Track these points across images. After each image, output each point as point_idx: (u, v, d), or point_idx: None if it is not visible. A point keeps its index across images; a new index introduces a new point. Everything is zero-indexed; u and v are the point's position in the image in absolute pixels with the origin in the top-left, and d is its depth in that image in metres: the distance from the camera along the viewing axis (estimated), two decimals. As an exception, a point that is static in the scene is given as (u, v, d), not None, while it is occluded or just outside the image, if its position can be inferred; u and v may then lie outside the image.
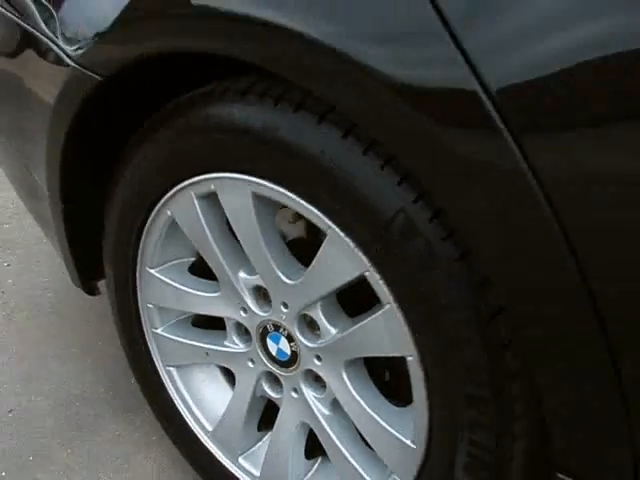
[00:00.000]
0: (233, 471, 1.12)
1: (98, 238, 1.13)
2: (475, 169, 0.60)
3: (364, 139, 0.73)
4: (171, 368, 1.14)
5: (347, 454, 0.95)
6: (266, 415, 1.09)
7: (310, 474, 1.05)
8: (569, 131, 0.56)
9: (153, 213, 1.00)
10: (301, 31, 0.66)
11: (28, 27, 1.04)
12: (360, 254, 0.77)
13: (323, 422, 0.96)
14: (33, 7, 1.03)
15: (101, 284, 1.25)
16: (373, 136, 0.70)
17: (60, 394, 1.46)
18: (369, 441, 0.91)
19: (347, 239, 0.78)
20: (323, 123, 0.75)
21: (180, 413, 1.16)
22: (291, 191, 0.81)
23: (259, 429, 1.10)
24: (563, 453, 0.69)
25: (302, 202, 0.80)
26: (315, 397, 0.96)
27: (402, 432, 0.86)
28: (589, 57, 0.53)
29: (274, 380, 1.02)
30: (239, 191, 0.87)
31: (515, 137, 0.58)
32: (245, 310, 0.98)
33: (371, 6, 0.62)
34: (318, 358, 0.92)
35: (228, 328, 1.03)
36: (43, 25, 1.01)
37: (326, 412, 0.96)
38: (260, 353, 1.00)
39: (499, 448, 0.76)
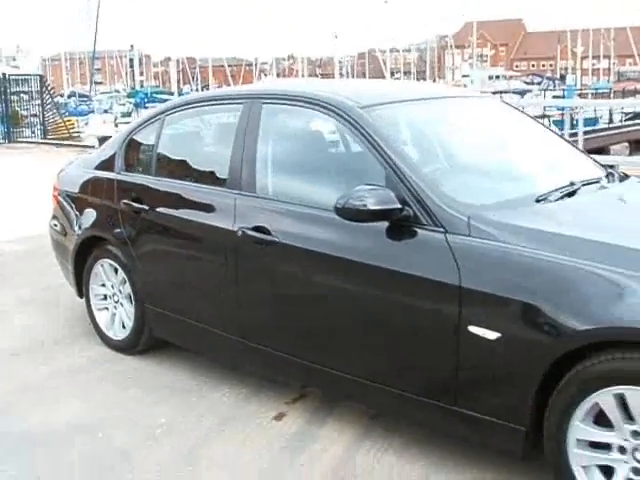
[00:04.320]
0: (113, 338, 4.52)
1: (81, 279, 4.63)
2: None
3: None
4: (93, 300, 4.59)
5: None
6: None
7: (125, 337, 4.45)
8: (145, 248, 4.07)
9: (92, 269, 4.49)
10: None
11: (72, 227, 4.63)
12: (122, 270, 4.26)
13: (124, 313, 4.40)
14: (68, 220, 4.64)
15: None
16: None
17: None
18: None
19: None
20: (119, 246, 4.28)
21: (93, 311, 4.57)
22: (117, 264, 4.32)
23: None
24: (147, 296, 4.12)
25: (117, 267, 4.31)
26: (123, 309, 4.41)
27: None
28: None
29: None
30: (108, 263, 4.37)
31: (132, 245, 4.09)
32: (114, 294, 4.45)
33: None
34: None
35: (112, 292, 4.50)
36: (74, 225, 4.59)
37: (128, 308, 4.40)
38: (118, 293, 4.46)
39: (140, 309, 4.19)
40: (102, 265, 4.42)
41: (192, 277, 3.84)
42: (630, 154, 20.61)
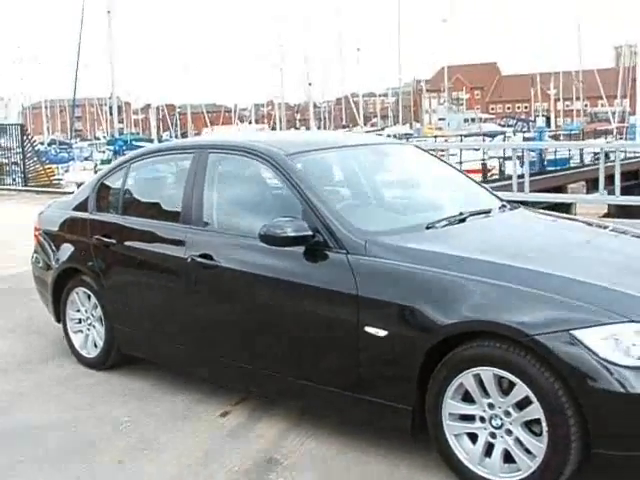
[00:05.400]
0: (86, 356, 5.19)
1: (59, 306, 5.31)
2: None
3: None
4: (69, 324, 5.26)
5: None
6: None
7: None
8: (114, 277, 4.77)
9: (68, 297, 5.18)
10: None
11: (51, 261, 5.33)
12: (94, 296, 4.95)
13: (96, 334, 5.07)
14: (47, 255, 5.33)
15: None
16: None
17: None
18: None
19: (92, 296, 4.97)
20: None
21: (69, 334, 5.24)
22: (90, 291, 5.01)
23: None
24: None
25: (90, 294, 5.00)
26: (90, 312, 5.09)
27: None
28: None
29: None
30: (82, 291, 5.06)
31: (103, 274, 4.79)
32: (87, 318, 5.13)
33: None
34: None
35: (85, 316, 5.18)
36: (53, 259, 5.29)
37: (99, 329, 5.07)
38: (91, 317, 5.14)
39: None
40: (77, 293, 5.10)
41: (152, 298, 4.54)
42: (587, 192, 21.62)
